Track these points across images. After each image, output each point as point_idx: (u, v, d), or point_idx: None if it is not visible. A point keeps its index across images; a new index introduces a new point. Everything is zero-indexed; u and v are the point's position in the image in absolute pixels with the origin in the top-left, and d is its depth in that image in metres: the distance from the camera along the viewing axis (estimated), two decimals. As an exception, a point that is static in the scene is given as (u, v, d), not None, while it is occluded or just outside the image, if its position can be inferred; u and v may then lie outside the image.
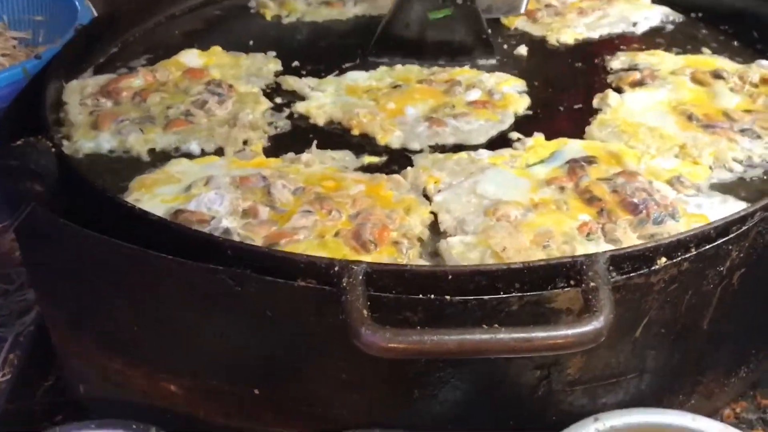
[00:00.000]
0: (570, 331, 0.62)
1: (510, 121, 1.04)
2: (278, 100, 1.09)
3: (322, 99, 1.07)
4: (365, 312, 0.64)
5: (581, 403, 0.80)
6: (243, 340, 0.77)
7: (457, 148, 0.98)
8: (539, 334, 0.62)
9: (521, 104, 1.07)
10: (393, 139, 0.99)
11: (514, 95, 1.09)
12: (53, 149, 0.89)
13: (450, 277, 0.69)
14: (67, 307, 0.88)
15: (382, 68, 1.15)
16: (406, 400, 0.77)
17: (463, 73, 1.14)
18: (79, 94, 1.09)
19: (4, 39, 1.48)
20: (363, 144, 1.00)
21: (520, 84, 1.12)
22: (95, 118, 1.03)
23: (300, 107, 1.06)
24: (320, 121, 1.03)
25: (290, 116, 1.06)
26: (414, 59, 1.17)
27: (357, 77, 1.13)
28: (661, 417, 0.80)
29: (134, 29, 1.29)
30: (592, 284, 0.66)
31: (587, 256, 0.69)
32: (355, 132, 1.01)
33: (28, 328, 1.11)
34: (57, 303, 0.90)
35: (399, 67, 1.15)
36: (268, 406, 0.81)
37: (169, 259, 0.73)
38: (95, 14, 1.39)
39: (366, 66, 1.16)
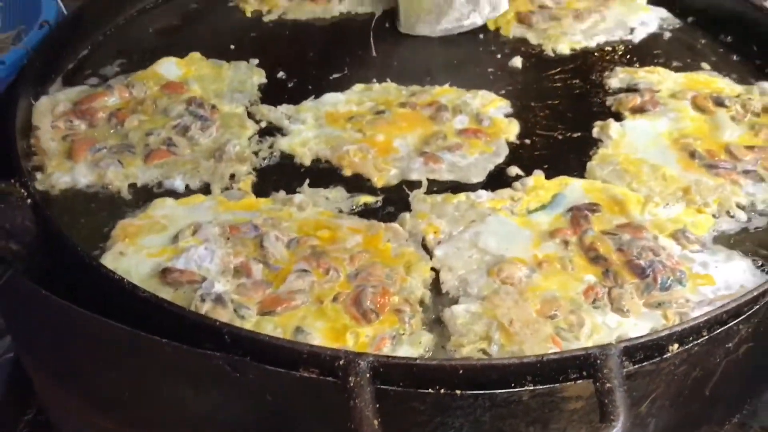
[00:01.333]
0: (588, 445, 0.61)
1: (504, 152, 1.00)
2: (264, 123, 1.03)
3: (304, 133, 1.00)
4: (376, 423, 0.62)
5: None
6: (241, 417, 0.74)
7: (456, 186, 0.95)
8: (557, 450, 0.61)
9: (512, 130, 1.03)
10: (389, 178, 0.94)
11: (502, 120, 1.05)
12: (29, 199, 0.83)
13: (461, 372, 0.67)
14: (50, 368, 0.85)
15: (358, 87, 1.09)
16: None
17: (445, 93, 1.09)
18: (50, 114, 1.02)
19: (-40, 24, 1.38)
20: (356, 180, 0.96)
21: (505, 105, 1.08)
22: (69, 145, 0.97)
23: (283, 144, 0.99)
24: (306, 161, 0.97)
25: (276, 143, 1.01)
26: None
27: (335, 101, 1.06)
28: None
29: (104, 26, 1.21)
30: (607, 385, 0.65)
31: (601, 348, 0.67)
32: (347, 172, 0.96)
33: (4, 355, 1.07)
34: (40, 363, 0.86)
35: (376, 86, 1.10)
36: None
37: (162, 342, 0.69)
38: (60, 3, 1.30)
39: (343, 85, 1.10)
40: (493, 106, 1.06)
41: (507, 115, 1.06)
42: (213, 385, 0.71)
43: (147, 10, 1.26)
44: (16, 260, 0.78)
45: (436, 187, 0.95)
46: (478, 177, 0.96)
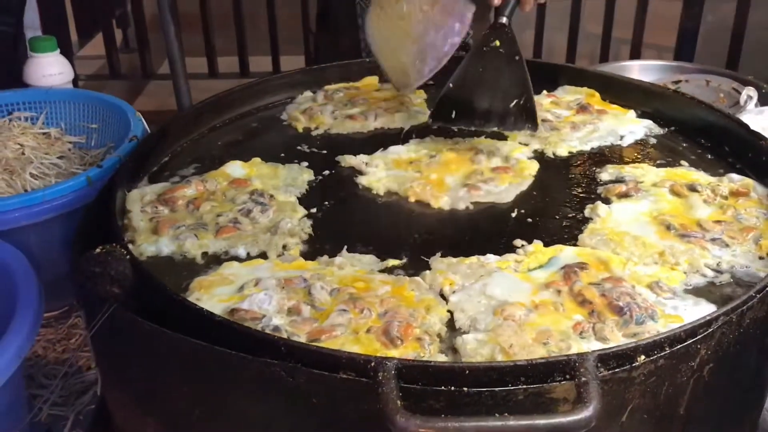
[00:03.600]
0: (566, 419, 0.77)
1: (529, 182, 1.31)
2: (313, 210, 1.25)
3: (378, 173, 1.33)
4: (399, 402, 0.79)
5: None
6: (291, 423, 0.91)
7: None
8: (541, 421, 0.77)
9: (533, 168, 1.35)
10: (442, 203, 1.25)
11: (525, 160, 1.36)
12: (128, 256, 1.05)
13: (467, 372, 0.84)
14: (134, 393, 1.03)
15: (414, 141, 1.42)
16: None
17: (482, 142, 1.42)
18: (140, 201, 1.25)
19: (61, 143, 1.67)
20: (387, 249, 1.16)
21: (527, 150, 1.40)
22: (155, 224, 1.20)
23: (362, 180, 1.32)
24: (381, 192, 1.29)
25: (321, 222, 1.23)
26: (466, 123, 1.42)
27: (398, 151, 1.40)
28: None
29: (181, 140, 1.47)
30: (583, 379, 0.81)
31: (579, 354, 0.84)
32: (411, 199, 1.27)
33: (87, 407, 1.25)
34: (124, 390, 1.05)
35: (428, 140, 1.42)
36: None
37: (233, 354, 0.88)
38: (144, 124, 1.58)
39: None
40: (519, 151, 1.39)
41: (529, 158, 1.38)
42: (270, 391, 0.89)
43: (216, 128, 1.53)
44: (115, 301, 0.99)
45: (478, 207, 1.26)
46: (510, 198, 1.27)
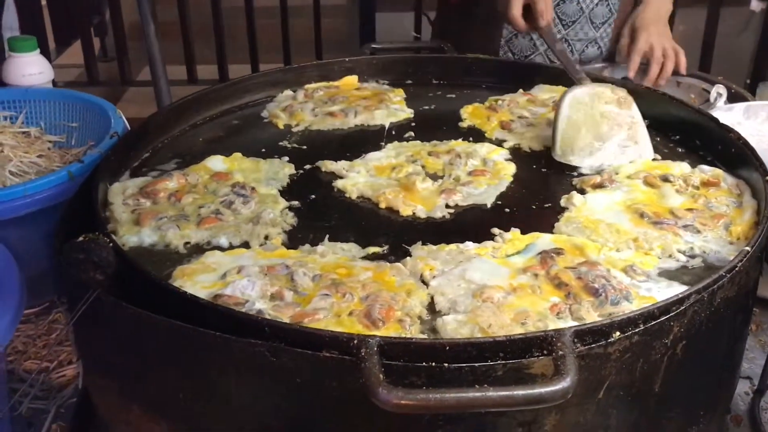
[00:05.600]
0: (543, 390, 0.79)
1: (506, 182, 1.32)
2: (295, 203, 1.27)
3: (356, 178, 1.33)
4: (381, 376, 0.80)
5: (556, 455, 0.95)
6: (275, 403, 0.92)
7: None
8: (519, 392, 0.79)
9: (510, 169, 1.35)
10: (417, 211, 1.24)
11: (503, 162, 1.37)
12: (111, 244, 1.06)
13: (447, 348, 0.86)
14: (117, 380, 1.03)
15: (392, 146, 1.43)
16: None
17: (459, 144, 1.43)
18: (122, 194, 1.26)
19: (41, 142, 1.66)
20: (367, 237, 1.17)
21: (505, 152, 1.41)
22: (137, 216, 1.21)
23: (339, 183, 1.31)
24: (353, 196, 1.29)
25: (302, 214, 1.24)
26: None
27: (377, 157, 1.40)
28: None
29: (163, 137, 1.48)
30: (560, 353, 0.83)
31: (556, 330, 0.86)
32: (383, 206, 1.26)
33: (69, 400, 1.25)
34: (108, 377, 1.05)
35: (406, 143, 1.44)
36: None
37: (218, 335, 0.89)
38: (125, 121, 1.59)
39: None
40: (496, 153, 1.40)
41: (506, 159, 1.39)
42: (255, 371, 0.90)
43: (197, 125, 1.54)
44: (99, 287, 1.00)
45: (458, 209, 1.26)
46: (490, 200, 1.28)
